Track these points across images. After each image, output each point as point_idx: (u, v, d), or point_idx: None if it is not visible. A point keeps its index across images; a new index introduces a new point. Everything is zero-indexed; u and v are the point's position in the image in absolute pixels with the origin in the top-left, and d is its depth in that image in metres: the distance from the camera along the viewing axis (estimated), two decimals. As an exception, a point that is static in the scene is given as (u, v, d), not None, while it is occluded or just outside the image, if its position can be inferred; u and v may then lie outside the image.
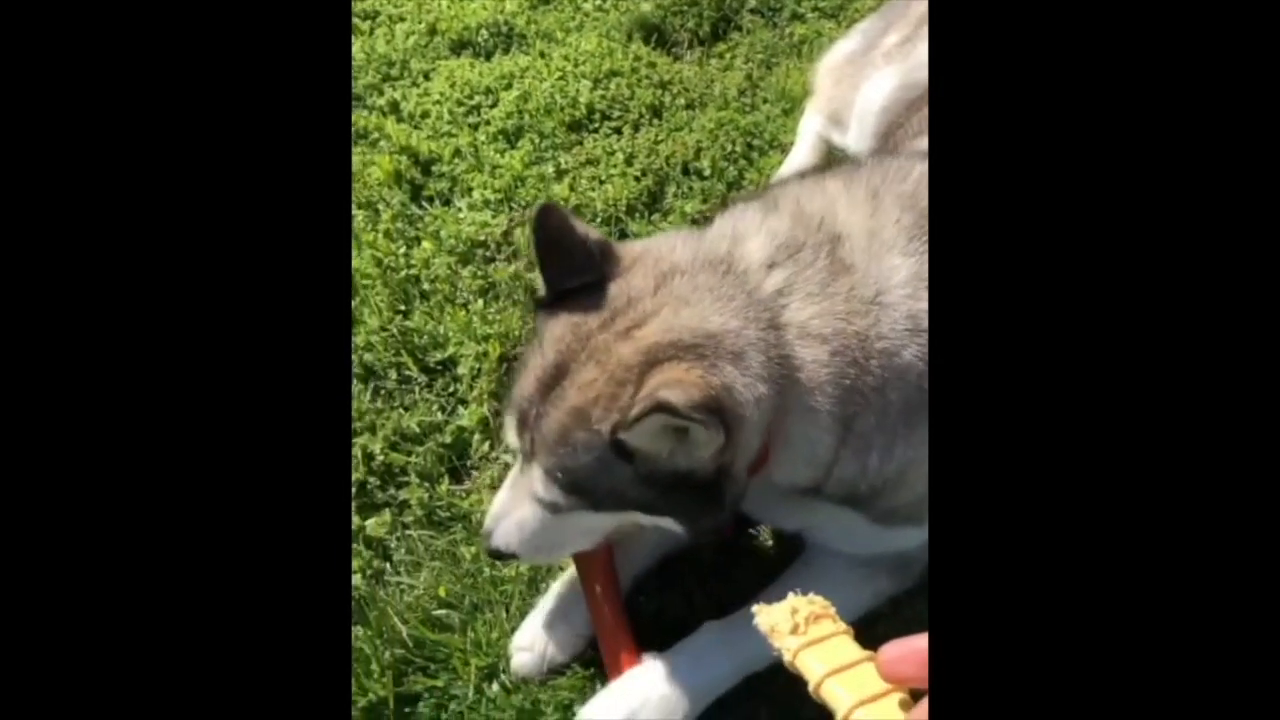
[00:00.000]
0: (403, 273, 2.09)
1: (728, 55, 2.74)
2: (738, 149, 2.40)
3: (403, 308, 2.04)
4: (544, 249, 1.37)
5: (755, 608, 1.06)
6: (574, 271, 1.36)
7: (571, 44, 2.68)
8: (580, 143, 2.42)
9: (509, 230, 2.19)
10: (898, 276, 1.32)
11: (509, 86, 2.55)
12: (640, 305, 1.32)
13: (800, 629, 1.00)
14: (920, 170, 1.41)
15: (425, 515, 1.76)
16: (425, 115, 2.50)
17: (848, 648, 0.96)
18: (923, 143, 1.73)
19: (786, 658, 0.98)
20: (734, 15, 2.86)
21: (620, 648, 1.53)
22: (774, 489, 1.45)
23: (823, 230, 1.35)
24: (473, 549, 1.71)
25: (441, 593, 1.65)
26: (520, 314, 2.02)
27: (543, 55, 2.66)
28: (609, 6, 2.86)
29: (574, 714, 1.51)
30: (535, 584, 1.66)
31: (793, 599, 1.02)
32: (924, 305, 1.30)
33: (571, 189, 2.27)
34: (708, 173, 2.34)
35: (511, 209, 2.24)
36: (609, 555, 1.61)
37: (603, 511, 1.37)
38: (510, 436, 1.41)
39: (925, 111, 1.84)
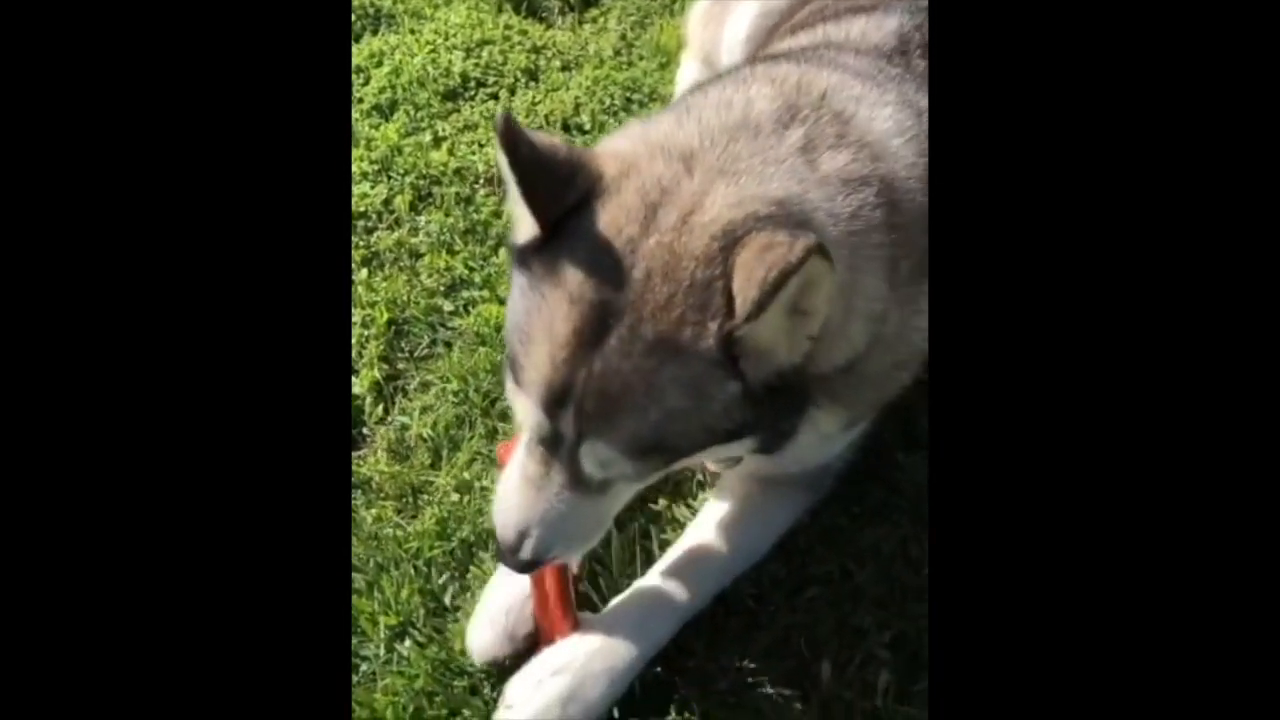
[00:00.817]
0: (281, 249, 2.01)
1: (600, 19, 2.72)
2: (617, 103, 2.39)
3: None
4: (526, 173, 1.12)
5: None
6: (563, 192, 1.13)
7: (441, 18, 2.64)
8: (457, 110, 2.38)
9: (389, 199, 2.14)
10: (892, 124, 1.30)
11: (379, 64, 2.49)
12: (680, 192, 1.12)
13: None
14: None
15: (322, 484, 1.69)
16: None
17: None
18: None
19: None
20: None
21: (555, 613, 1.43)
22: None
23: (807, 92, 1.30)
24: (373, 512, 1.65)
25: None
26: (406, 279, 1.97)
27: (413, 32, 2.61)
28: (476, -20, 2.82)
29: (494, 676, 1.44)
30: (445, 534, 1.61)
31: None
32: (912, 147, 1.29)
33: (451, 154, 2.23)
34: (588, 127, 2.32)
35: (390, 179, 2.18)
36: None
37: (678, 463, 1.19)
38: (533, 421, 1.17)
39: (784, 31, 1.86)
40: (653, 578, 1.49)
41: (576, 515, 1.22)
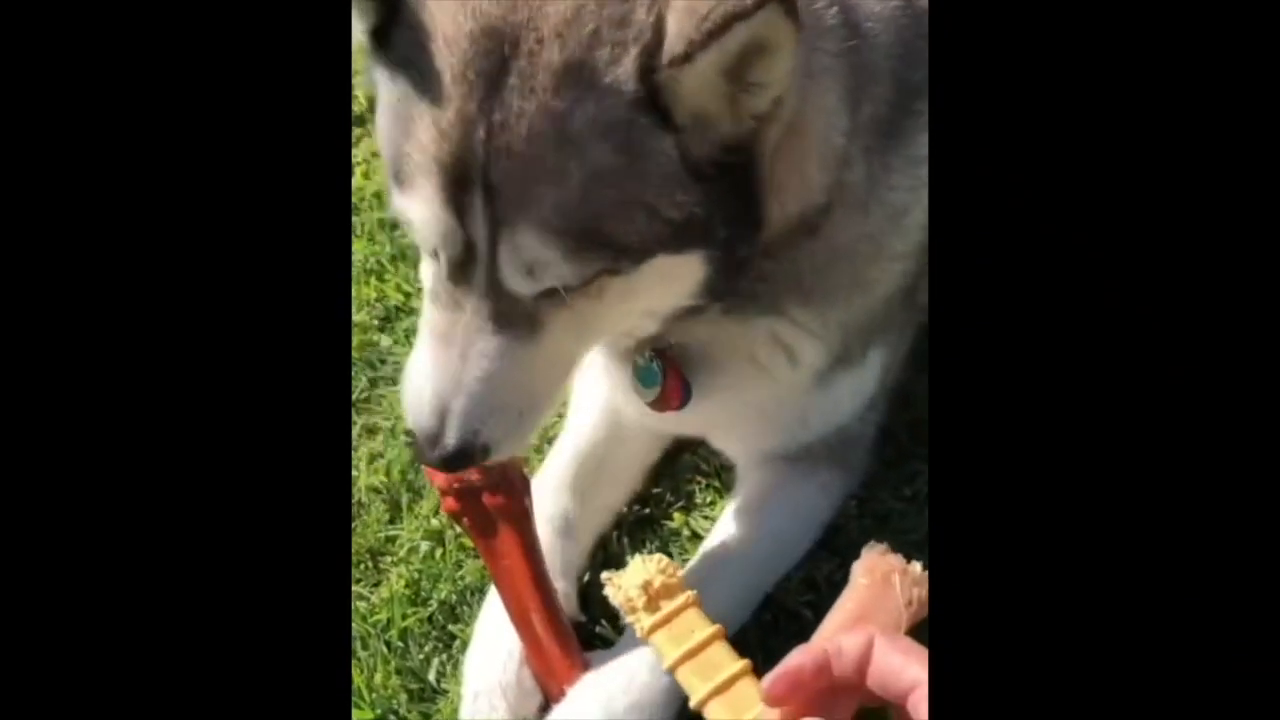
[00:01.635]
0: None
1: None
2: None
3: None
4: None
5: (605, 576, 0.99)
6: None
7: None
8: (368, 134, 2.13)
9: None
10: None
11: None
12: None
13: (653, 603, 0.96)
14: None
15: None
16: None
17: (698, 623, 0.97)
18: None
19: (639, 633, 0.97)
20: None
21: (555, 657, 1.16)
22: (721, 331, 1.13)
23: None
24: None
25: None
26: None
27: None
28: None
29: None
30: (419, 598, 1.32)
31: (643, 565, 0.98)
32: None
33: (366, 178, 1.98)
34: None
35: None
36: (531, 564, 1.18)
37: (622, 274, 0.92)
38: (433, 228, 0.91)
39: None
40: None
41: (508, 369, 0.93)
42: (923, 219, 1.16)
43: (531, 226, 0.87)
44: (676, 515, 1.38)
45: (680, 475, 1.42)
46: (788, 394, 1.22)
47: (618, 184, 0.88)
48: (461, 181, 0.87)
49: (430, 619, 1.32)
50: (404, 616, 1.31)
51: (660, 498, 1.40)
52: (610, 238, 0.89)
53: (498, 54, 0.85)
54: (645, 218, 0.89)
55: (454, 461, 0.97)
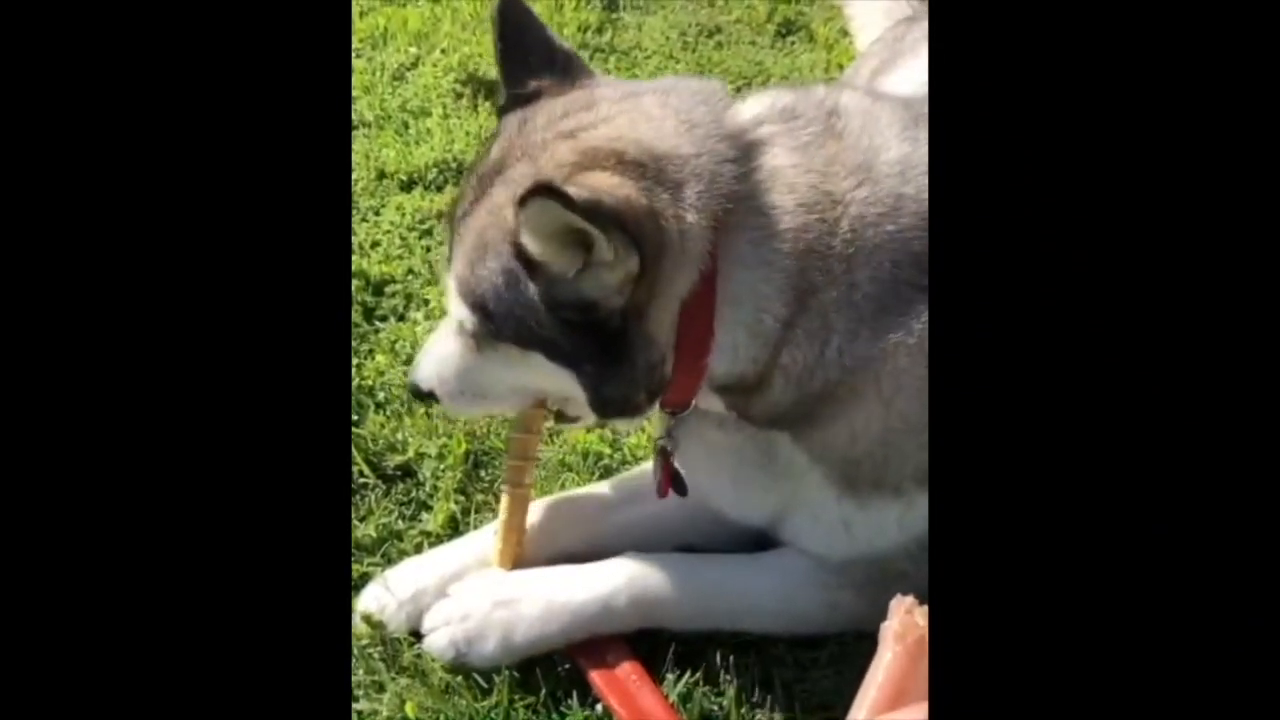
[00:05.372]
0: (355, 383, 1.90)
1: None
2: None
3: (355, 418, 1.84)
4: (504, 43, 1.32)
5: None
6: (533, 71, 1.31)
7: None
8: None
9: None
10: (886, 155, 1.22)
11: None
12: (597, 110, 1.25)
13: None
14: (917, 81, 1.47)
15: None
16: (376, 244, 2.39)
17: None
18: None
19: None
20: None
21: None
22: (719, 435, 1.35)
23: (822, 106, 1.27)
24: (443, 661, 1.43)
25: (409, 712, 1.36)
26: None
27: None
28: (559, 137, 2.85)
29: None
30: (528, 685, 1.38)
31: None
32: (909, 191, 1.20)
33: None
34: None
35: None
36: None
37: (507, 343, 1.26)
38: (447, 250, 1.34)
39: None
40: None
41: (454, 358, 1.34)
42: None
43: (451, 277, 1.28)
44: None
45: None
46: (821, 504, 1.33)
47: (498, 293, 1.21)
48: (453, 228, 1.30)
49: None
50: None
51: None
52: (495, 318, 1.24)
53: (494, 173, 1.27)
54: (517, 324, 1.22)
55: (413, 393, 1.44)
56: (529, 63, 1.31)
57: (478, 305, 1.25)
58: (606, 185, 1.14)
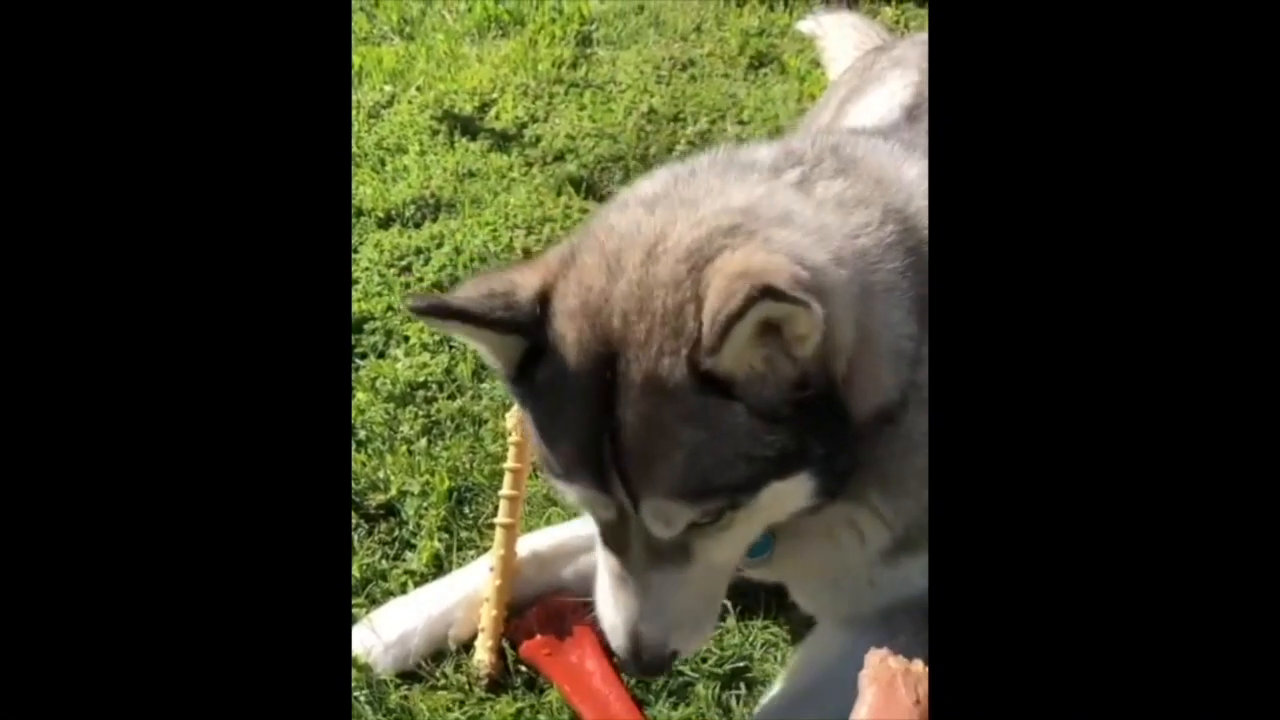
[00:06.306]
0: (335, 422, 1.89)
1: (661, 197, 2.71)
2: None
3: (337, 457, 1.82)
4: (478, 325, 1.12)
5: None
6: (518, 315, 1.11)
7: (500, 202, 2.63)
8: (519, 283, 2.32)
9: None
10: (907, 173, 1.24)
11: (440, 245, 2.46)
12: (645, 229, 1.09)
13: None
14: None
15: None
16: (355, 281, 2.38)
17: None
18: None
19: None
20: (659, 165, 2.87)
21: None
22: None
23: (819, 142, 1.26)
24: (437, 698, 1.41)
25: (402, 756, 1.35)
26: (468, 445, 1.82)
27: (473, 216, 2.60)
28: (535, 171, 2.84)
29: None
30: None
31: None
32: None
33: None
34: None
35: (451, 348, 2.08)
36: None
37: (743, 506, 1.10)
38: (591, 502, 1.13)
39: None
40: None
41: (675, 596, 1.14)
42: None
43: (658, 495, 1.08)
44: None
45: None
46: (852, 567, 1.31)
47: (711, 449, 1.06)
48: (603, 473, 1.10)
49: None
50: None
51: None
52: (722, 486, 1.08)
53: (605, 379, 1.07)
54: (744, 464, 1.07)
55: (651, 670, 1.23)
56: (505, 318, 1.13)
57: (703, 489, 1.07)
58: (752, 259, 1.03)
